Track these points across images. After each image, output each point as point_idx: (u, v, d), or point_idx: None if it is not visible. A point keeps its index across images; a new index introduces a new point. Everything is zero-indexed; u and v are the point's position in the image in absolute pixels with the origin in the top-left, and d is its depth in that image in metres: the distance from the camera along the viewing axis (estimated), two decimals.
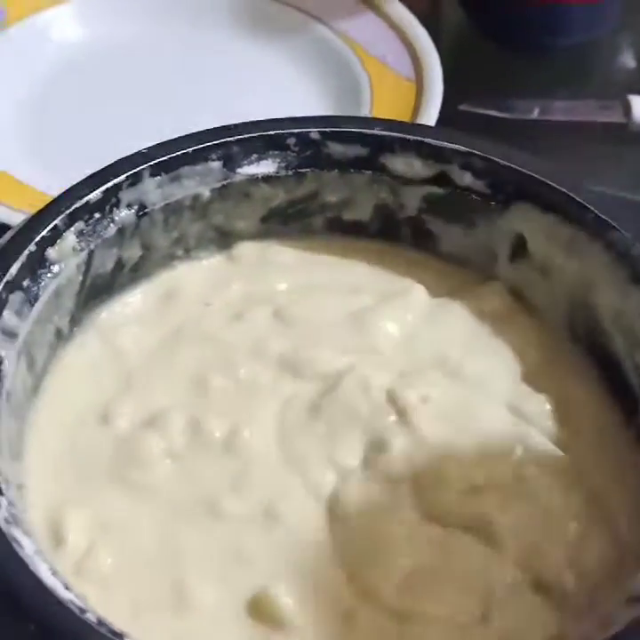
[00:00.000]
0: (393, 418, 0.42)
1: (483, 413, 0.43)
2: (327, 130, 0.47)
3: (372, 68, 0.67)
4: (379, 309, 0.46)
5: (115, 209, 0.44)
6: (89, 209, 0.43)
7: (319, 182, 0.48)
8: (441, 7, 0.79)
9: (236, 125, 0.46)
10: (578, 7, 0.71)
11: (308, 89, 0.68)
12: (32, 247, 0.41)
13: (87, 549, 0.38)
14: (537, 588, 0.38)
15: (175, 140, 0.46)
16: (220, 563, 0.38)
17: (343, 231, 0.49)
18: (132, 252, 0.46)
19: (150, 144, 0.45)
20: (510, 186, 0.46)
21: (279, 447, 0.42)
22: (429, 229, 0.49)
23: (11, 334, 0.40)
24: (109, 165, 0.44)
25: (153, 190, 0.45)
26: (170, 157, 0.45)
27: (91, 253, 0.44)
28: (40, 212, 0.42)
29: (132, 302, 0.47)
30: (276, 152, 0.47)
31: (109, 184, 0.43)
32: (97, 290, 0.45)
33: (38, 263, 0.41)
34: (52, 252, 0.42)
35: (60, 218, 0.42)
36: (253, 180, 0.47)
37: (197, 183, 0.46)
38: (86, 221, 0.43)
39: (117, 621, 0.34)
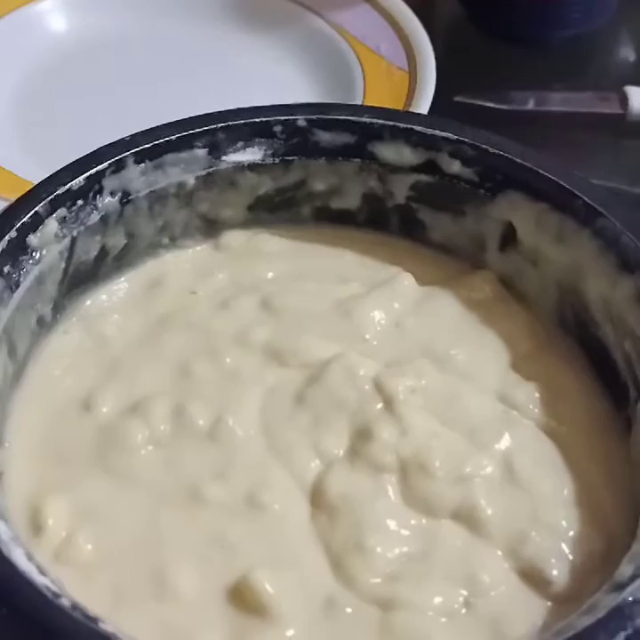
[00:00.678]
0: (379, 406, 0.42)
1: (471, 402, 0.43)
2: (314, 117, 0.47)
3: (366, 59, 0.67)
4: (366, 298, 0.46)
5: (98, 196, 0.44)
6: (71, 196, 0.43)
7: (307, 170, 0.48)
8: None
9: (221, 112, 0.46)
10: None
11: (301, 79, 0.68)
12: (13, 233, 0.41)
13: (67, 536, 0.38)
14: (523, 577, 0.38)
15: (160, 127, 0.45)
16: (203, 550, 0.38)
17: (331, 220, 0.49)
18: (117, 240, 0.46)
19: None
20: (499, 174, 0.46)
21: (264, 435, 0.41)
22: (418, 218, 0.49)
23: None
24: (92, 152, 0.44)
25: (137, 177, 0.45)
26: (154, 144, 0.45)
27: (73, 240, 0.43)
28: (21, 198, 0.42)
29: (117, 290, 0.47)
30: (263, 139, 0.47)
31: (92, 171, 0.43)
32: (80, 277, 0.45)
33: (19, 250, 0.41)
34: (33, 239, 0.42)
35: (41, 204, 0.42)
36: (239, 167, 0.47)
37: (182, 171, 0.46)
38: (69, 208, 0.43)
39: (98, 608, 0.34)
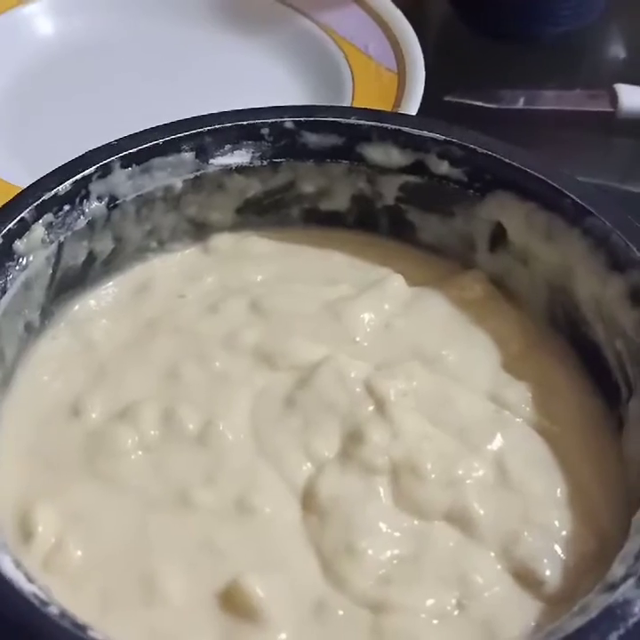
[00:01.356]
0: (370, 408, 0.42)
1: (462, 402, 0.43)
2: (302, 119, 0.47)
3: (354, 59, 0.67)
4: (356, 299, 0.46)
5: (85, 201, 0.44)
6: (58, 201, 0.43)
7: (295, 172, 0.48)
8: None
9: (208, 116, 0.46)
10: None
11: (290, 80, 0.68)
12: None
13: (56, 542, 0.38)
14: (516, 578, 0.38)
15: (146, 131, 0.45)
16: (192, 554, 0.38)
17: (320, 221, 0.49)
18: (104, 245, 0.46)
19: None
20: (488, 174, 0.46)
21: (254, 439, 0.41)
22: (407, 219, 0.49)
23: None
24: (79, 157, 0.44)
25: (124, 182, 0.45)
26: (140, 149, 0.45)
27: (60, 246, 0.43)
28: (7, 204, 0.42)
29: (105, 295, 0.46)
30: (250, 142, 0.47)
31: (78, 176, 0.43)
32: (68, 282, 0.45)
33: (5, 256, 0.41)
34: (19, 245, 0.42)
35: (27, 210, 0.42)
36: (227, 170, 0.47)
37: (169, 174, 0.46)
38: (55, 214, 0.43)
39: (87, 614, 0.34)
